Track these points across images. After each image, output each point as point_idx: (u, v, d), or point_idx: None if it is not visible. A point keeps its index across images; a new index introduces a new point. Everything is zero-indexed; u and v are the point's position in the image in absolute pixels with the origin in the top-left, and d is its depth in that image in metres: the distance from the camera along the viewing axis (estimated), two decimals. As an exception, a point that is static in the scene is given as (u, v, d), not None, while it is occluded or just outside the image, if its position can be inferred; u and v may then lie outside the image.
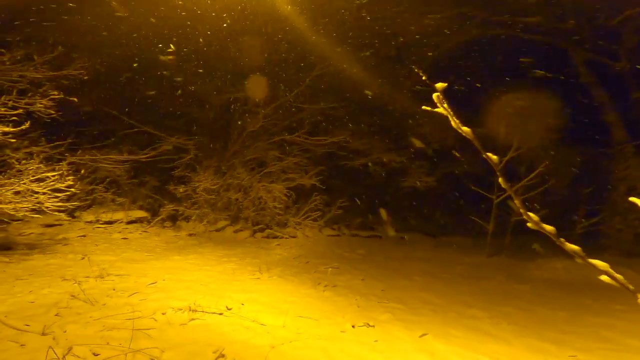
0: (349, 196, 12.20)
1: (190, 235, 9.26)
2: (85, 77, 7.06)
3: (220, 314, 4.16)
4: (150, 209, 10.96)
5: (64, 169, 5.60)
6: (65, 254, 6.41)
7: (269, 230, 10.12)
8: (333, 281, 6.04)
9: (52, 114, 5.88)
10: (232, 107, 10.95)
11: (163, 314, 4.04)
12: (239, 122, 10.77)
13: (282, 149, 11.03)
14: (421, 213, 13.29)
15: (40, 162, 5.59)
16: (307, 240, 10.00)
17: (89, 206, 10.14)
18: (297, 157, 10.86)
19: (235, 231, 9.91)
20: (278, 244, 9.12)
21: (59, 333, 3.41)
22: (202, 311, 4.15)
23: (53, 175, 5.36)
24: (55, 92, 5.67)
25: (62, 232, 8.52)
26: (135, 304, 4.26)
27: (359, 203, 12.47)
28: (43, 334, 3.37)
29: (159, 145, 9.67)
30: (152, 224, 9.99)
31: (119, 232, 9.10)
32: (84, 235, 8.26)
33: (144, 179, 11.27)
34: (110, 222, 9.97)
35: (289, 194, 10.39)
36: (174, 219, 10.38)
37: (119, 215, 10.23)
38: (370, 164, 12.72)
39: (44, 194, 5.12)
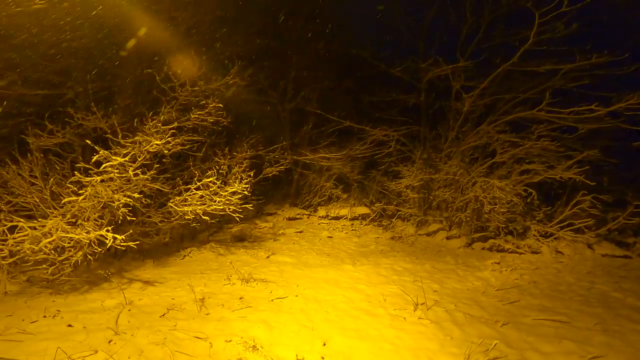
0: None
1: (392, 238, 8.29)
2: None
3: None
4: (373, 206, 10.78)
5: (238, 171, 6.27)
6: (260, 250, 7.08)
7: (493, 241, 7.54)
8: (521, 355, 3.51)
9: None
10: (444, 85, 8.94)
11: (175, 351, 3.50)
12: (454, 103, 8.64)
13: (519, 131, 7.98)
14: None
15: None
16: (553, 261, 6.73)
17: (325, 202, 11.21)
18: (543, 140, 7.52)
19: (448, 237, 8.04)
20: (496, 262, 6.57)
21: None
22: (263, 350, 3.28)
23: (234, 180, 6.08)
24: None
25: (295, 225, 9.67)
26: (197, 327, 3.90)
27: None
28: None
29: (365, 140, 9.25)
30: (367, 221, 9.75)
31: (334, 229, 9.35)
32: (301, 232, 8.98)
33: (369, 175, 11.22)
34: (337, 218, 10.51)
35: (526, 193, 7.36)
36: (390, 217, 9.70)
37: (344, 211, 10.64)
38: None
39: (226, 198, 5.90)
